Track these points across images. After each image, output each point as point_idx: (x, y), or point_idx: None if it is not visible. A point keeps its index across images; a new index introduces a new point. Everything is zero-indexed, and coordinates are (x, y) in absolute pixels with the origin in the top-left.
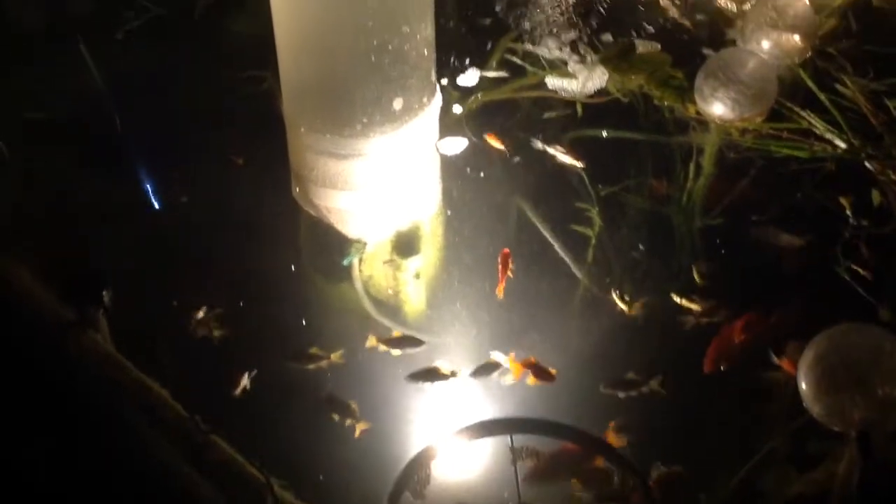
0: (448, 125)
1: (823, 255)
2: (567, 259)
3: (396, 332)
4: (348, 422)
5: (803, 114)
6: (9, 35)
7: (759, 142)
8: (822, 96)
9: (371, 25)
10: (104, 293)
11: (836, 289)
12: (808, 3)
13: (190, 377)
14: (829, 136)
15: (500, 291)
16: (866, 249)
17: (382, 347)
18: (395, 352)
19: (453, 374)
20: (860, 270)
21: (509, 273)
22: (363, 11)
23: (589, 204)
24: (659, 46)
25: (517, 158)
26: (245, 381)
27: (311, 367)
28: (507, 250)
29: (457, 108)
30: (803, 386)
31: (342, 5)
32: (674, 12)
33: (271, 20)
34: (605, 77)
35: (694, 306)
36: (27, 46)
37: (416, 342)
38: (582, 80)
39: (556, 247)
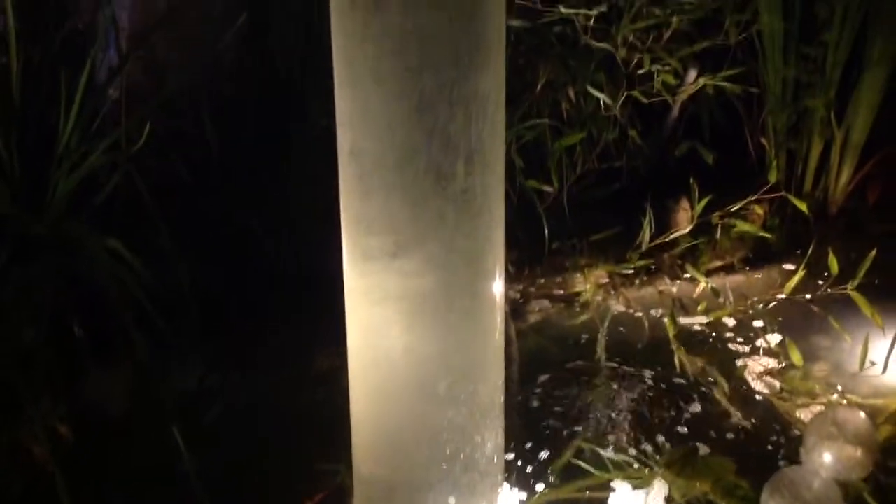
0: None
1: None
2: None
3: None
4: None
5: None
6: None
7: None
8: None
9: (445, 437)
10: None
11: None
12: (865, 416)
13: None
14: None
15: None
16: None
17: None
18: None
19: None
20: None
21: None
22: (439, 422)
23: None
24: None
25: None
26: None
27: None
28: None
29: None
30: None
31: (419, 414)
32: (736, 417)
33: (349, 412)
34: (669, 482)
35: None
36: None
37: None
38: (645, 485)
39: None
